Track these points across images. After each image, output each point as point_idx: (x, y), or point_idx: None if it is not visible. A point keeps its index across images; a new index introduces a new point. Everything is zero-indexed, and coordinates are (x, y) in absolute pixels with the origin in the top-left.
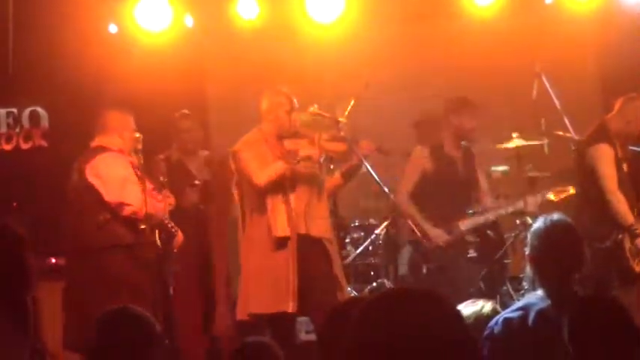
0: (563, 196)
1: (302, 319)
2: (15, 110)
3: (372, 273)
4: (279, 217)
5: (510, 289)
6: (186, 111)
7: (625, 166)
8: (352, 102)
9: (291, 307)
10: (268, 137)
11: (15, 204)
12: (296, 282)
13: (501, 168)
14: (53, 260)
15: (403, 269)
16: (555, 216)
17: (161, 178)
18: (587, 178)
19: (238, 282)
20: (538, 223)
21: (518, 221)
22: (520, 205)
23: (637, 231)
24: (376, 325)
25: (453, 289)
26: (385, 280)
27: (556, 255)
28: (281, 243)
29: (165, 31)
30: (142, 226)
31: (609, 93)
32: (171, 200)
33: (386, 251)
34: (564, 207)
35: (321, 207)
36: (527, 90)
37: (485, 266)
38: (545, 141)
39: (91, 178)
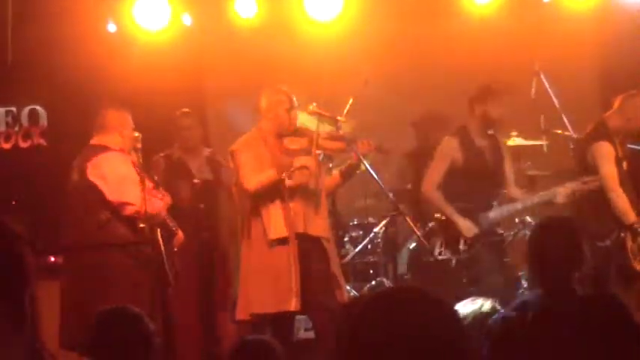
0: (591, 186)
1: (300, 317)
2: (14, 109)
3: (371, 272)
4: (274, 219)
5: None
6: (186, 109)
7: (625, 164)
8: (351, 101)
9: (293, 304)
10: (267, 136)
11: (14, 202)
12: (298, 280)
13: None
14: (52, 259)
15: (402, 268)
16: (555, 214)
17: (155, 178)
18: (588, 176)
19: (238, 281)
20: (538, 221)
21: (517, 219)
22: (549, 195)
23: (639, 229)
24: (373, 325)
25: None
26: (384, 279)
27: (555, 253)
28: (280, 242)
29: (164, 29)
30: (142, 225)
31: (608, 91)
32: (168, 199)
33: (385, 250)
34: (565, 205)
35: (319, 206)
36: (526, 88)
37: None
38: (544, 140)
39: (93, 178)
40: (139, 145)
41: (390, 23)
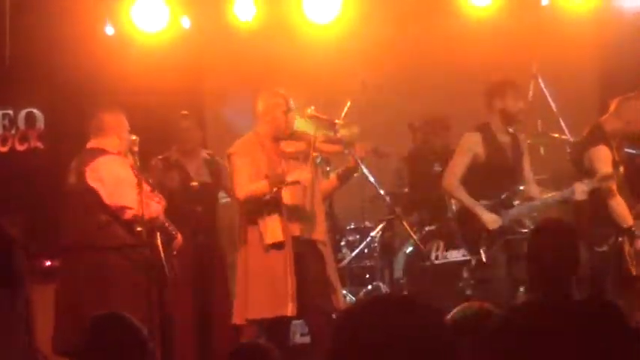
0: (610, 182)
1: (297, 322)
2: (11, 112)
3: (367, 276)
4: (270, 224)
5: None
6: (185, 111)
7: (622, 168)
8: (349, 104)
9: (290, 309)
10: (264, 139)
11: (10, 205)
12: (294, 284)
13: None
14: (48, 263)
15: (398, 272)
16: (552, 218)
17: (150, 181)
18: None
19: (235, 285)
20: (535, 225)
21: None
22: (567, 193)
23: (636, 232)
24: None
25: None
26: (380, 283)
27: (552, 257)
28: (276, 247)
29: (162, 31)
30: (139, 229)
31: (607, 94)
32: (164, 202)
33: (381, 254)
34: (563, 209)
35: (316, 210)
36: (524, 91)
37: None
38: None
39: (92, 181)
40: (136, 148)
41: (388, 25)
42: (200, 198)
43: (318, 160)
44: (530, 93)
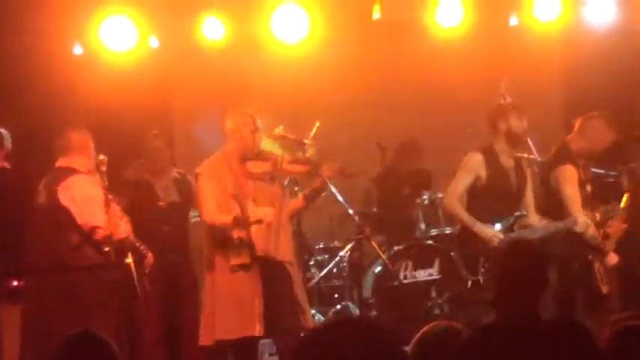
0: (610, 215)
1: (265, 341)
2: None
3: (336, 295)
4: (236, 245)
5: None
6: (155, 131)
7: (589, 187)
8: (317, 124)
9: (257, 330)
10: (231, 159)
11: None
12: (262, 305)
13: None
14: (15, 283)
15: (367, 292)
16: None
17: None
18: (553, 199)
19: (202, 306)
20: (501, 245)
21: None
22: (570, 223)
23: (605, 249)
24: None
25: None
26: (349, 303)
27: (517, 277)
28: (243, 268)
29: (131, 51)
30: (106, 249)
31: (573, 113)
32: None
33: (350, 274)
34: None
35: (283, 230)
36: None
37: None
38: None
39: (65, 201)
40: (104, 168)
41: (356, 45)
42: (167, 217)
43: (287, 181)
44: None
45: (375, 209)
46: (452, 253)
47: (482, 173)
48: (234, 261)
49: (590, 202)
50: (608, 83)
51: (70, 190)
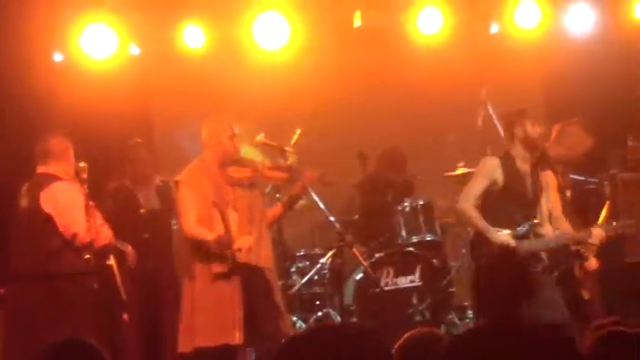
0: (626, 229)
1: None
2: None
3: (317, 302)
4: (217, 252)
5: (455, 318)
6: (138, 139)
7: (568, 193)
8: (299, 132)
9: (237, 337)
10: (210, 166)
11: None
12: (241, 312)
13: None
14: None
15: (348, 299)
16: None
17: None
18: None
19: (180, 313)
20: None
21: (463, 250)
22: (585, 235)
23: (585, 254)
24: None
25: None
26: (330, 310)
27: (500, 287)
28: (223, 275)
29: (111, 58)
30: (87, 256)
31: (552, 119)
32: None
33: (331, 281)
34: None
35: (262, 237)
36: (475, 117)
37: (429, 295)
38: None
39: (47, 207)
40: (85, 176)
41: (337, 52)
42: (148, 225)
43: (268, 188)
44: (480, 120)
45: (356, 216)
46: (433, 260)
47: (499, 177)
48: (216, 269)
49: (569, 208)
50: (587, 90)
51: (52, 196)
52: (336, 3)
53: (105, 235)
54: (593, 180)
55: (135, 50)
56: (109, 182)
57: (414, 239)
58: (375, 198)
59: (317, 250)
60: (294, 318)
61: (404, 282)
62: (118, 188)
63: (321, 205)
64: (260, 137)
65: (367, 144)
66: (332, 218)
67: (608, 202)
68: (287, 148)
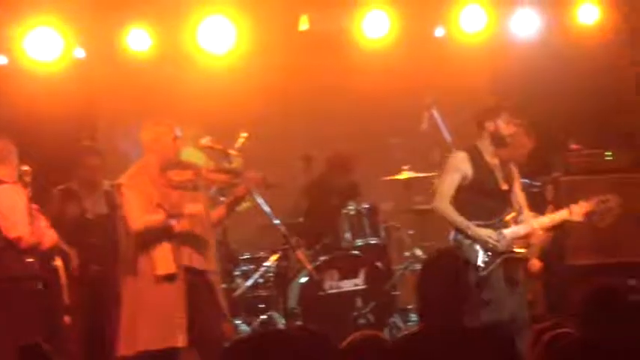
0: (606, 205)
1: None
2: None
3: (261, 306)
4: (162, 255)
5: (399, 321)
6: (87, 142)
7: None
8: (244, 135)
9: (180, 340)
10: (151, 170)
11: None
12: (185, 315)
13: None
14: None
15: (293, 302)
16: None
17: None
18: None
19: (120, 316)
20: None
21: (407, 253)
22: (564, 213)
23: (527, 256)
24: None
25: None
26: (275, 313)
27: (440, 289)
28: (167, 278)
29: (56, 61)
30: (30, 260)
31: None
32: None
33: (276, 284)
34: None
35: (206, 238)
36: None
37: (373, 298)
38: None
39: None
40: (28, 179)
41: (283, 56)
42: (94, 230)
43: (212, 191)
44: (424, 124)
45: (301, 219)
46: (377, 264)
47: (469, 171)
48: (160, 271)
49: None
50: (531, 93)
51: None
52: (282, 7)
53: (50, 237)
54: (536, 183)
55: (80, 53)
56: (55, 186)
57: (359, 242)
58: (321, 201)
59: (261, 254)
60: (238, 321)
61: (348, 285)
62: (64, 192)
63: (265, 208)
64: (205, 140)
65: (313, 147)
66: (277, 221)
67: (551, 205)
68: (231, 151)
